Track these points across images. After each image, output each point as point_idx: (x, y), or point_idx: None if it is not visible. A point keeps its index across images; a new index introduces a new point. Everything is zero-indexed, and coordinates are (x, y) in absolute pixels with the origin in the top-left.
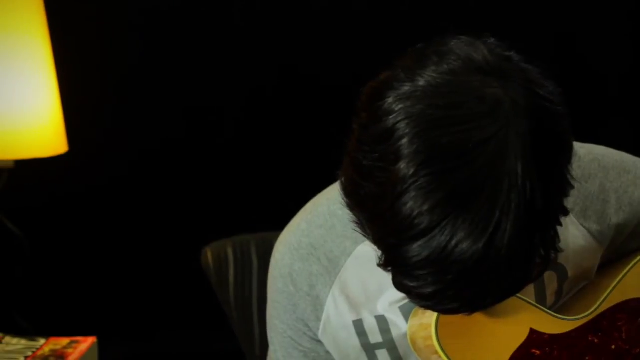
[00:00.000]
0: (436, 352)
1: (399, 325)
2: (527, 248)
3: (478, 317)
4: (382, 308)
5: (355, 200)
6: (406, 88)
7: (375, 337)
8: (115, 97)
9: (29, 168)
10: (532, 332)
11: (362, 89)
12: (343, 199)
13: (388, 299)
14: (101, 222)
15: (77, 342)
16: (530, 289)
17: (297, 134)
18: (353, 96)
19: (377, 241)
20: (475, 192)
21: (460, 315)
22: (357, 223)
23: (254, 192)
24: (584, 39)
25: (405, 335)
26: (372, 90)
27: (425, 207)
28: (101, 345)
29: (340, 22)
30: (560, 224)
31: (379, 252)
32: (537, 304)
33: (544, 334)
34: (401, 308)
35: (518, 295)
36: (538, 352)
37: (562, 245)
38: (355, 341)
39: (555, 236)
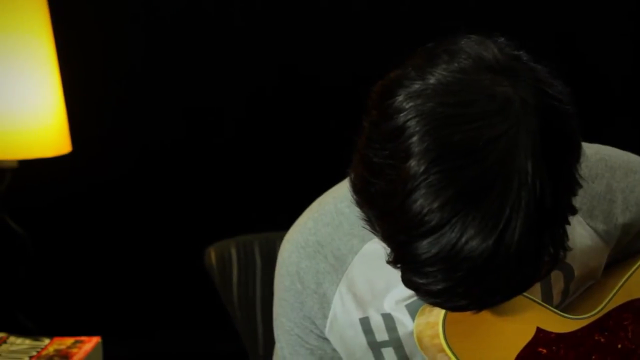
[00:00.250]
0: (443, 350)
1: (406, 324)
2: (537, 246)
3: (485, 316)
4: (388, 306)
5: (364, 198)
6: (417, 86)
7: (381, 335)
8: (118, 97)
9: (32, 168)
10: (539, 330)
11: (372, 87)
12: (352, 196)
13: (394, 297)
14: (104, 222)
15: (81, 341)
16: (537, 288)
17: (299, 134)
18: (353, 96)
19: (386, 238)
20: (485, 190)
21: (467, 314)
22: (366, 220)
23: (257, 192)
24: (585, 39)
25: (411, 333)
26: (382, 88)
27: (436, 205)
28: (105, 345)
29: (340, 22)
30: (569, 223)
31: (388, 249)
32: (543, 303)
33: (551, 332)
34: (408, 306)
35: (525, 294)
36: (545, 350)
37: (569, 244)
38: (361, 339)
39: (564, 235)
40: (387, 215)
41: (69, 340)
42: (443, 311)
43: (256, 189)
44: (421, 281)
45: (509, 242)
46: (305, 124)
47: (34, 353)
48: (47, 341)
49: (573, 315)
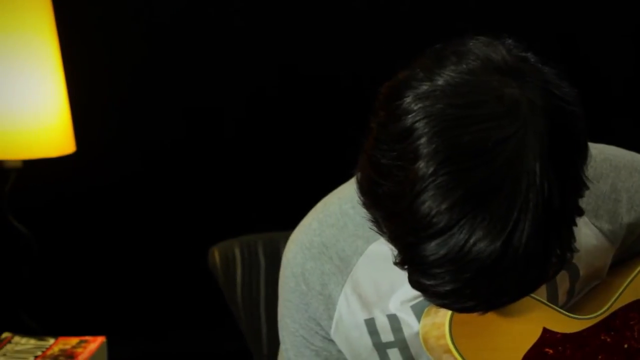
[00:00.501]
0: (449, 351)
1: (411, 324)
2: (544, 247)
3: (491, 317)
4: (393, 307)
5: (372, 199)
6: (425, 87)
7: (387, 336)
8: (123, 97)
9: (36, 168)
10: (545, 331)
11: (378, 88)
12: (359, 197)
13: (400, 297)
14: (109, 221)
15: (86, 341)
16: (543, 288)
17: (301, 133)
18: (355, 95)
19: (393, 239)
20: (493, 191)
21: (473, 315)
22: (372, 221)
23: (261, 192)
24: (586, 40)
25: (417, 334)
26: (390, 89)
27: (444, 206)
28: (109, 345)
29: (341, 22)
30: (576, 224)
31: (395, 251)
32: (549, 303)
33: (557, 333)
34: (413, 307)
35: (531, 294)
36: (551, 351)
37: (576, 245)
38: (367, 340)
39: (571, 236)
40: (394, 216)
41: (74, 340)
42: (449, 312)
43: (259, 189)
44: (429, 283)
45: (517, 243)
46: (307, 124)
47: (39, 353)
48: (51, 341)
49: (579, 315)
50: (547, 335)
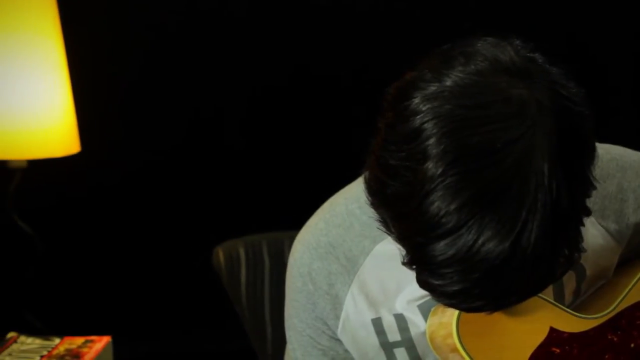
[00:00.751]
0: (456, 350)
1: (418, 324)
2: (553, 247)
3: (498, 316)
4: (400, 306)
5: (380, 199)
6: (433, 88)
7: (393, 335)
8: (128, 97)
9: (41, 168)
10: (552, 330)
11: (386, 89)
12: (367, 197)
13: (406, 297)
14: (113, 221)
15: (92, 341)
16: (549, 287)
17: (306, 133)
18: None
19: (401, 239)
20: (502, 192)
21: (480, 314)
22: (380, 222)
23: (265, 192)
24: (588, 40)
25: (423, 333)
26: (397, 90)
27: (453, 206)
28: (114, 345)
29: (345, 23)
30: (583, 224)
31: (403, 251)
32: (556, 303)
33: (564, 332)
34: (420, 307)
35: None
36: (558, 350)
37: (583, 245)
38: (374, 339)
39: (579, 236)
40: (403, 217)
41: (80, 340)
42: (456, 311)
43: (264, 188)
44: (437, 282)
45: (526, 244)
46: (312, 123)
47: (45, 352)
48: (57, 341)
49: (585, 314)
50: (554, 335)
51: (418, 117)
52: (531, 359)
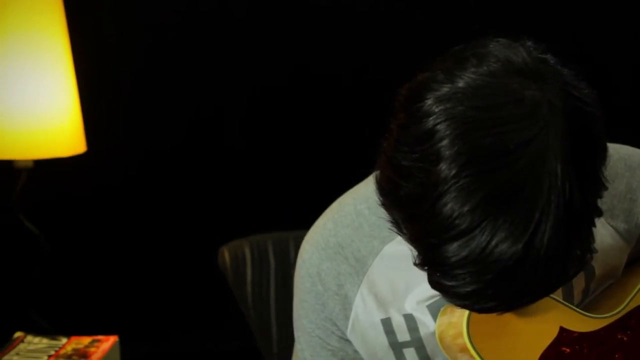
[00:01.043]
0: (466, 350)
1: (427, 324)
2: (565, 248)
3: (508, 316)
4: (409, 307)
5: (392, 200)
6: (445, 89)
7: (403, 335)
8: (134, 97)
9: (47, 168)
10: (562, 330)
11: (399, 90)
12: (378, 198)
13: (415, 297)
14: (119, 221)
15: (98, 341)
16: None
17: (311, 133)
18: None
19: (414, 241)
20: (515, 193)
21: (491, 314)
22: (392, 222)
23: (270, 192)
24: (588, 40)
25: (433, 333)
26: (410, 91)
27: (466, 208)
28: (121, 345)
29: (347, 23)
30: (595, 225)
31: (415, 252)
32: (566, 302)
33: (574, 332)
34: (429, 307)
35: None
36: (568, 350)
37: (594, 246)
38: (383, 339)
39: (591, 236)
40: (416, 218)
41: (87, 340)
42: (466, 311)
43: (269, 188)
44: (450, 284)
45: (539, 245)
46: (317, 123)
47: (52, 352)
48: (64, 340)
49: (594, 314)
50: (564, 334)
51: (431, 118)
52: (541, 358)
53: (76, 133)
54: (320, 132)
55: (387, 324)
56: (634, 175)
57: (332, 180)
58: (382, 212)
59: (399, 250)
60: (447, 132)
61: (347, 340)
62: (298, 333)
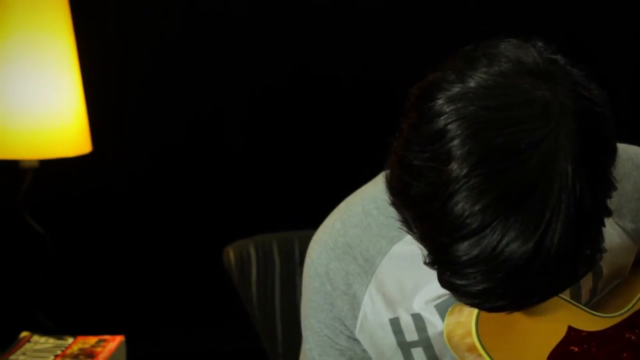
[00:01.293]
0: (475, 349)
1: (435, 324)
2: (575, 248)
3: (517, 315)
4: (418, 306)
5: (403, 199)
6: (457, 89)
7: (411, 335)
8: (139, 97)
9: (53, 168)
10: (570, 329)
11: (410, 89)
12: (389, 197)
13: (424, 297)
14: (125, 221)
15: (105, 340)
16: None
17: (317, 134)
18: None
19: (424, 240)
20: (526, 193)
21: (499, 313)
22: (402, 221)
23: (276, 192)
24: (588, 40)
25: (441, 333)
26: (420, 91)
27: (477, 207)
28: (127, 345)
29: (349, 23)
30: (604, 225)
31: (425, 251)
32: (574, 302)
33: (582, 331)
34: (437, 306)
35: None
36: (576, 349)
37: (604, 246)
38: (391, 339)
39: (600, 237)
40: (426, 217)
41: (93, 339)
42: (475, 310)
43: (274, 188)
44: (460, 282)
45: (549, 244)
46: (312, 123)
47: (59, 352)
48: (70, 340)
49: (602, 313)
50: (573, 334)
51: (442, 118)
52: (550, 357)
53: (81, 133)
54: (320, 132)
55: (395, 323)
56: None
57: (333, 179)
58: (391, 212)
59: (407, 250)
60: (459, 132)
61: (356, 340)
62: (306, 332)
